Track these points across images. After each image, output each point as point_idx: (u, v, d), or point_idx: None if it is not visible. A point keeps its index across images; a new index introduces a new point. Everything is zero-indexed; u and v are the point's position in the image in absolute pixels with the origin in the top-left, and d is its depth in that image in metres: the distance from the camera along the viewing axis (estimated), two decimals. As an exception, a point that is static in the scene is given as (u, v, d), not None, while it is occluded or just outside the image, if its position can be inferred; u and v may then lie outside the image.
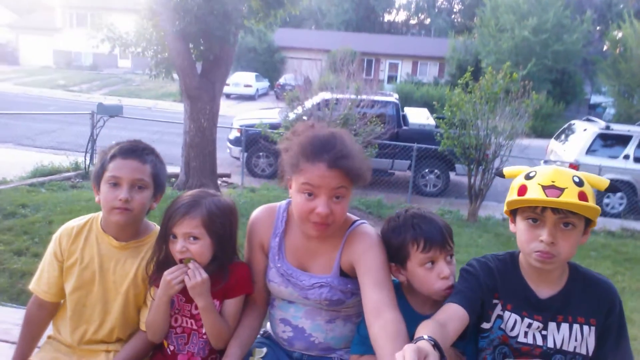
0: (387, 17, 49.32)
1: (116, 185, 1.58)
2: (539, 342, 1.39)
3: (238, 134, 9.68)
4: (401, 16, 49.98)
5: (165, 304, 1.56)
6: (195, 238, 1.52)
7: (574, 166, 9.16)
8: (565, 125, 11.02)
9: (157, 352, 1.69)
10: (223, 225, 1.56)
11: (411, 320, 1.38)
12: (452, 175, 9.89)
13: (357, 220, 1.61)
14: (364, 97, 8.25)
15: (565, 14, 22.50)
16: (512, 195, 1.36)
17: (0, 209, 5.87)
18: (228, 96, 25.30)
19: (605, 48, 26.27)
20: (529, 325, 1.40)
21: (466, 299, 1.36)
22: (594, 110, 26.67)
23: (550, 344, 1.39)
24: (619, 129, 9.88)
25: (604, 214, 9.07)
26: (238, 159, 9.77)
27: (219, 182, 8.32)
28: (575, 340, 1.38)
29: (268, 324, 1.76)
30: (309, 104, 8.06)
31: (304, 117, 7.88)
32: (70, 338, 1.68)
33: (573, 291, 1.40)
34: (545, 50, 22.04)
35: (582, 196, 1.26)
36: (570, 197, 1.25)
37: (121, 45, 7.31)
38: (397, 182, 10.21)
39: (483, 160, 7.84)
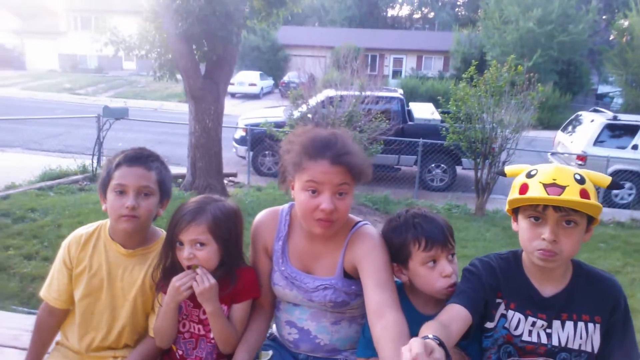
0: (391, 12, 49.12)
1: (122, 193, 1.59)
2: (544, 340, 1.39)
3: (243, 133, 9.70)
4: (404, 10, 49.76)
5: (173, 310, 1.57)
6: (202, 244, 1.53)
7: (582, 157, 9.10)
8: (572, 117, 10.94)
9: (165, 357, 1.70)
10: (229, 229, 1.57)
11: (414, 320, 1.38)
12: (458, 169, 9.86)
13: (360, 221, 1.62)
14: (368, 93, 8.22)
15: (571, 4, 22.28)
16: (513, 194, 1.35)
17: (9, 213, 5.93)
18: (233, 95, 25.36)
19: (611, 37, 26.02)
20: (533, 324, 1.39)
21: (469, 300, 1.36)
22: (601, 101, 26.43)
23: (555, 342, 1.38)
24: (627, 119, 9.78)
25: (613, 204, 9.01)
26: (244, 158, 9.79)
27: (225, 181, 8.34)
28: (580, 338, 1.37)
29: (274, 326, 1.77)
30: (313, 101, 8.06)
31: (309, 115, 7.88)
32: (78, 344, 1.70)
33: (577, 289, 1.39)
34: (550, 41, 21.84)
35: (584, 194, 1.26)
36: (571, 194, 1.25)
37: (125, 48, 7.34)
38: (404, 177, 10.19)
39: (489, 153, 7.80)
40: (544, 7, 21.74)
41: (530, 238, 1.33)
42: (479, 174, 7.93)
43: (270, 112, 10.63)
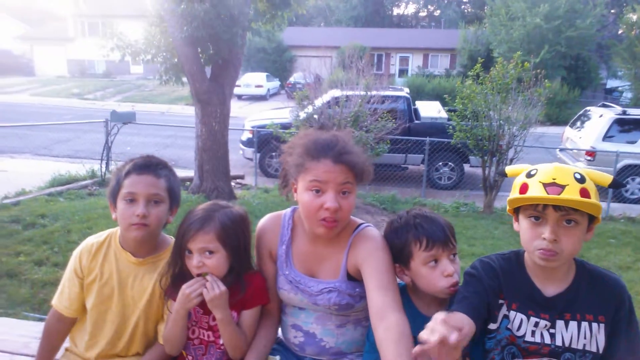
0: (396, 11, 49.02)
1: (132, 201, 1.60)
2: (547, 340, 1.38)
3: (250, 135, 9.73)
4: (410, 9, 49.62)
5: (183, 317, 1.58)
6: (211, 252, 1.54)
7: (591, 153, 9.03)
8: (581, 112, 10.84)
9: None
10: (237, 236, 1.57)
11: (417, 322, 1.38)
12: (466, 167, 9.81)
13: (362, 223, 1.62)
14: (374, 93, 8.21)
15: (578, -1, 22.12)
16: (513, 194, 1.35)
17: (20, 219, 6.00)
18: (240, 97, 25.44)
19: (620, 32, 25.74)
20: (536, 324, 1.38)
21: (471, 307, 1.36)
22: (610, 95, 26.15)
23: (558, 342, 1.37)
24: (636, 113, 9.68)
25: (624, 199, 8.92)
26: (251, 159, 9.82)
27: (232, 184, 8.37)
28: (585, 337, 1.36)
29: (279, 329, 1.78)
30: (319, 102, 8.06)
31: (315, 116, 7.88)
32: (87, 352, 1.72)
33: (580, 288, 1.38)
34: (558, 36, 21.66)
35: (584, 193, 1.25)
36: (571, 194, 1.24)
37: (131, 53, 7.39)
38: (411, 176, 10.17)
39: (497, 151, 7.76)
40: (550, 2, 21.56)
41: (530, 238, 1.33)
42: (486, 172, 7.89)
43: (277, 113, 10.65)
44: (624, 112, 9.46)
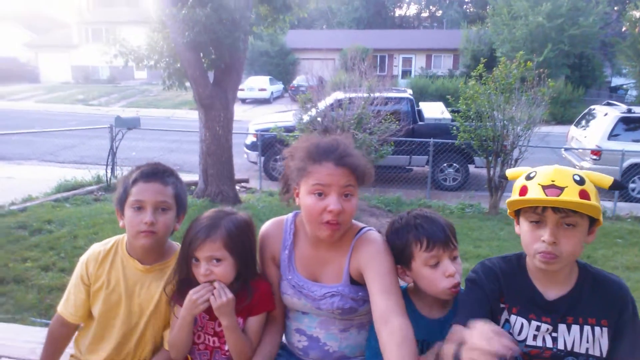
0: (398, 12, 49.04)
1: (140, 209, 1.60)
2: (549, 344, 1.37)
3: (254, 139, 9.75)
4: (412, 10, 49.65)
5: (189, 323, 1.58)
6: (218, 260, 1.54)
7: (596, 152, 8.98)
8: (585, 111, 10.80)
9: None
10: (243, 243, 1.58)
11: (419, 324, 1.39)
12: (471, 168, 9.78)
13: (364, 227, 1.63)
14: (377, 94, 8.21)
15: (580, -3, 22.04)
16: (513, 196, 1.35)
17: (27, 225, 6.04)
18: (243, 101, 25.51)
19: (623, 29, 25.64)
20: (538, 328, 1.38)
21: (470, 318, 1.35)
22: (615, 93, 26.04)
23: (560, 346, 1.36)
24: (642, 111, 9.63)
25: (631, 199, 8.87)
26: (255, 163, 9.83)
27: (237, 187, 8.39)
28: (587, 341, 1.35)
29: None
30: (322, 105, 8.07)
31: (318, 119, 7.89)
32: (90, 356, 1.72)
33: (582, 291, 1.37)
34: (561, 35, 21.59)
35: (584, 194, 1.24)
36: (570, 195, 1.24)
37: (134, 59, 7.43)
38: (416, 178, 10.16)
39: (501, 151, 7.74)
40: (553, 1, 21.51)
41: (531, 240, 1.32)
42: (491, 173, 7.86)
43: (280, 116, 10.67)
44: (629, 111, 9.42)
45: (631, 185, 9.03)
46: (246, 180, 9.37)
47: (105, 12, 35.61)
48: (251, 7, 7.24)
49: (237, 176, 8.48)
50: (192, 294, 1.54)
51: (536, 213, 1.30)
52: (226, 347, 1.61)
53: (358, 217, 7.06)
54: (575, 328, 1.36)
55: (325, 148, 1.50)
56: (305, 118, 8.17)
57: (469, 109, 7.80)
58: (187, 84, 7.69)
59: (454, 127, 8.19)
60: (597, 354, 1.36)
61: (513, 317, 1.41)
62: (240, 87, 24.52)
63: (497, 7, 24.35)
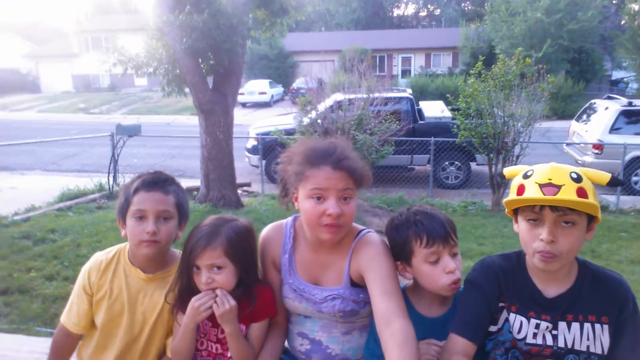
0: (396, 12, 49.06)
1: (142, 218, 1.60)
2: (549, 342, 1.37)
3: (255, 143, 9.76)
4: (410, 9, 49.65)
5: (192, 330, 1.58)
6: (219, 268, 1.54)
7: (598, 146, 8.95)
8: (586, 105, 10.77)
9: None
10: (244, 249, 1.57)
11: (419, 324, 1.39)
12: (473, 165, 9.77)
13: (364, 229, 1.62)
14: (376, 95, 8.21)
15: (578, -9, 22.00)
16: (511, 196, 1.35)
17: (30, 235, 6.06)
18: (244, 105, 25.55)
19: (623, 22, 25.57)
20: (537, 326, 1.37)
21: (472, 329, 1.39)
22: (616, 87, 25.96)
23: (561, 344, 1.36)
24: (642, 104, 9.59)
25: (634, 192, 8.83)
26: (257, 167, 9.84)
27: (239, 191, 8.39)
28: (588, 339, 1.34)
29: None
30: (322, 107, 8.07)
31: (319, 121, 7.90)
32: None
33: (582, 289, 1.37)
34: (559, 30, 21.55)
35: (581, 192, 1.24)
36: (567, 194, 1.23)
37: (133, 67, 7.45)
38: (418, 177, 10.15)
39: (502, 148, 7.72)
40: (550, -4, 21.49)
41: (529, 240, 1.32)
42: (493, 170, 7.85)
43: (281, 119, 10.68)
44: (630, 104, 9.39)
45: (634, 179, 9.00)
46: (248, 184, 9.38)
47: (104, 20, 35.82)
48: (248, 12, 7.25)
49: (239, 180, 8.49)
50: (195, 302, 1.53)
51: (534, 212, 1.29)
52: (229, 354, 1.61)
53: (361, 218, 7.07)
54: (575, 325, 1.35)
55: (323, 152, 1.49)
56: (306, 120, 8.17)
57: (469, 106, 7.79)
58: (187, 90, 7.71)
59: (455, 126, 8.19)
60: (599, 351, 1.35)
61: (512, 316, 1.41)
62: (241, 91, 24.66)
63: (495, 4, 24.33)
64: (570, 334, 1.35)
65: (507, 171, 1.44)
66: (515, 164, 7.71)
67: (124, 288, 1.69)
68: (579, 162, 9.27)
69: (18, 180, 10.01)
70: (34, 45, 39.82)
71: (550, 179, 1.26)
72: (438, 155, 9.25)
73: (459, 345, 1.38)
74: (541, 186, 1.26)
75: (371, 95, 8.09)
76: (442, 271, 1.45)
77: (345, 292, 1.56)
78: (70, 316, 1.71)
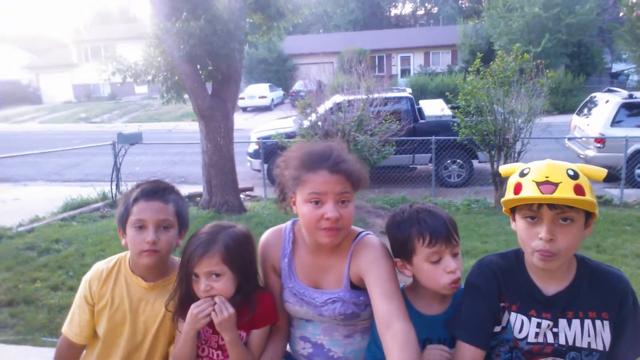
0: (394, 11, 49.08)
1: (142, 228, 1.61)
2: (550, 339, 1.36)
3: (256, 147, 9.77)
4: (407, 8, 49.67)
5: (192, 337, 1.58)
6: (218, 275, 1.54)
7: (600, 140, 8.92)
8: (587, 99, 10.74)
9: None
10: (242, 256, 1.57)
11: (419, 322, 1.38)
12: (475, 163, 9.75)
13: (362, 231, 1.62)
14: (375, 95, 8.21)
15: (575, -15, 21.97)
16: (508, 194, 1.34)
17: (35, 246, 6.09)
18: (244, 109, 25.62)
19: (621, 14, 25.51)
20: (539, 325, 1.37)
21: (479, 335, 1.40)
22: (616, 79, 25.90)
23: (562, 341, 1.35)
24: (643, 97, 9.56)
25: (637, 185, 8.80)
26: (259, 171, 9.85)
27: (242, 196, 8.40)
28: (589, 335, 1.34)
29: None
30: (321, 109, 8.08)
31: (319, 123, 7.90)
32: None
33: (581, 286, 1.36)
34: (558, 24, 21.51)
35: (578, 189, 1.23)
36: (565, 191, 1.23)
37: (131, 75, 7.47)
38: (420, 176, 10.14)
39: (504, 145, 7.71)
40: (548, -10, 21.47)
41: (527, 238, 1.31)
42: (495, 167, 7.83)
43: (281, 123, 10.69)
44: (631, 96, 9.35)
45: (637, 171, 8.97)
46: (251, 189, 9.38)
47: (102, 29, 35.97)
48: (245, 17, 7.27)
49: (242, 185, 8.50)
50: (194, 309, 1.54)
51: (531, 210, 1.29)
52: None
53: (364, 219, 7.06)
54: (575, 322, 1.35)
55: (319, 156, 1.49)
56: (306, 123, 8.17)
57: (469, 104, 7.79)
58: (186, 96, 7.73)
59: (455, 124, 8.18)
60: (600, 347, 1.34)
61: (513, 315, 1.40)
62: (241, 95, 24.72)
63: (492, 0, 24.31)
64: (570, 331, 1.35)
65: (503, 169, 1.44)
66: (517, 160, 7.70)
67: (125, 297, 1.69)
68: (581, 156, 9.25)
69: (21, 192, 10.06)
70: (34, 56, 40.03)
71: (547, 177, 1.25)
72: (440, 154, 9.24)
73: (470, 353, 1.38)
74: (538, 184, 1.25)
75: (370, 96, 8.09)
76: (443, 271, 1.44)
77: (345, 295, 1.56)
78: (72, 327, 1.71)
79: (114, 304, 1.69)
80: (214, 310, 1.52)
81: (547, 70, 7.60)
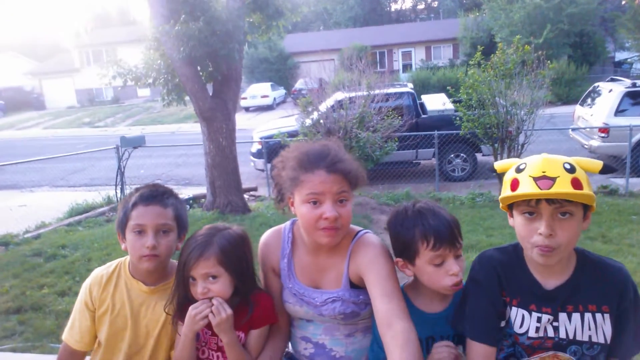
0: (394, 7, 48.97)
1: (141, 232, 1.61)
2: (550, 334, 1.35)
3: (259, 147, 9.77)
4: (408, 3, 49.59)
5: (191, 339, 1.59)
6: (214, 277, 1.54)
7: (604, 130, 8.87)
8: (590, 89, 10.67)
9: None
10: (238, 257, 1.57)
11: (420, 320, 1.38)
12: (479, 156, 9.72)
13: (361, 230, 1.62)
14: (377, 91, 8.19)
15: (576, -26, 21.79)
16: (505, 191, 1.33)
17: (41, 252, 6.12)
18: (247, 109, 25.63)
19: (623, 2, 25.30)
20: (539, 320, 1.36)
21: (488, 333, 1.39)
22: (620, 68, 25.72)
23: (562, 335, 1.35)
24: (647, 85, 9.48)
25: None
26: (262, 170, 9.85)
27: (246, 196, 8.41)
28: (589, 329, 1.33)
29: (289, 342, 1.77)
30: (323, 107, 8.06)
31: (321, 121, 7.89)
32: None
33: (581, 279, 1.35)
34: (559, 14, 21.36)
35: (576, 183, 1.22)
36: (562, 186, 1.22)
37: (132, 79, 7.49)
38: (424, 171, 10.11)
39: (507, 137, 7.68)
40: (548, -20, 21.31)
41: (526, 234, 1.30)
42: (498, 160, 7.80)
43: (284, 122, 10.68)
44: (634, 85, 9.28)
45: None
46: (254, 189, 9.39)
47: (103, 33, 36.04)
48: (244, 17, 7.26)
49: (245, 185, 8.51)
50: (191, 310, 1.54)
51: (530, 206, 1.28)
52: None
53: (368, 215, 7.05)
54: (576, 316, 1.34)
55: (316, 156, 1.49)
56: (308, 122, 8.17)
57: (471, 97, 7.76)
58: (187, 98, 7.74)
59: (457, 118, 8.15)
60: (601, 340, 1.33)
61: (514, 310, 1.40)
62: (243, 95, 24.74)
63: (492, -8, 24.17)
64: (571, 325, 1.34)
65: (499, 165, 1.42)
66: (520, 153, 7.67)
67: (126, 301, 1.69)
68: (586, 146, 9.19)
69: (27, 198, 10.11)
70: (36, 62, 40.21)
71: (544, 172, 1.24)
72: (443, 149, 9.21)
73: (481, 351, 1.37)
74: (535, 179, 1.24)
75: (372, 92, 8.07)
76: (445, 273, 1.44)
77: (344, 294, 1.56)
78: (72, 333, 1.71)
79: (115, 309, 1.69)
80: (211, 311, 1.52)
81: (549, 61, 7.56)
